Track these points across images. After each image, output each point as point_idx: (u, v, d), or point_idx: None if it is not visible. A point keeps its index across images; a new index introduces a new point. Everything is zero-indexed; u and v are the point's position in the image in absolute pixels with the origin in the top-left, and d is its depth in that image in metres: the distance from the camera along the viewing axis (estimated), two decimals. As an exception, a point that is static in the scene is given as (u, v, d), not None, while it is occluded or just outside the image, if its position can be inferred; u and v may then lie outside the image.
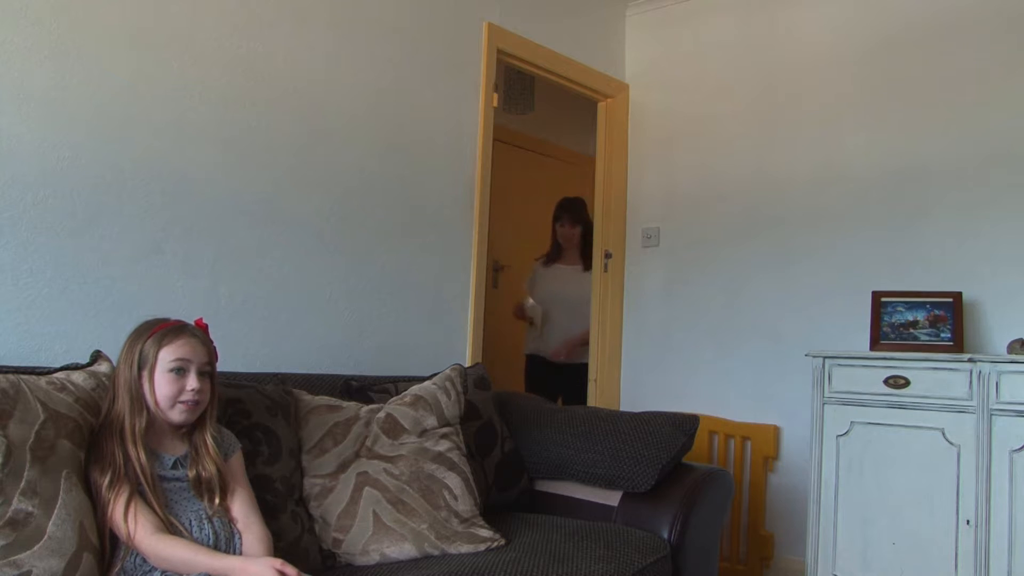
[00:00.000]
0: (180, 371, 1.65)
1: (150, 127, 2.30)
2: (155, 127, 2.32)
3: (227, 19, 2.48)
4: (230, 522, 1.70)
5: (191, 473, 1.68)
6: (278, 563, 1.56)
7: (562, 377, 4.15)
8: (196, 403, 1.67)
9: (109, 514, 1.56)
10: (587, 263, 4.15)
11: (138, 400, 1.63)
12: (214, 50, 2.45)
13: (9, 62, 2.04)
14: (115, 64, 2.23)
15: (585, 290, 4.11)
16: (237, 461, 1.79)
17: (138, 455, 1.60)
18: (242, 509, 1.72)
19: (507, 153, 4.49)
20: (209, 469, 1.69)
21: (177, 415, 1.66)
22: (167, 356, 1.64)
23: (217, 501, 1.68)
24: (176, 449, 1.70)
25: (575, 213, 4.23)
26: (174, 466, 1.68)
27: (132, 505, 1.56)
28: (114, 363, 1.72)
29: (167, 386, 1.64)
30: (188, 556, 1.56)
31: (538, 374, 4.25)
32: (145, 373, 1.64)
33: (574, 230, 4.21)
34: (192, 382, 1.65)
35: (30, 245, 2.07)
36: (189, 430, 1.72)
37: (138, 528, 1.55)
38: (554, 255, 4.32)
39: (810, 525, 2.96)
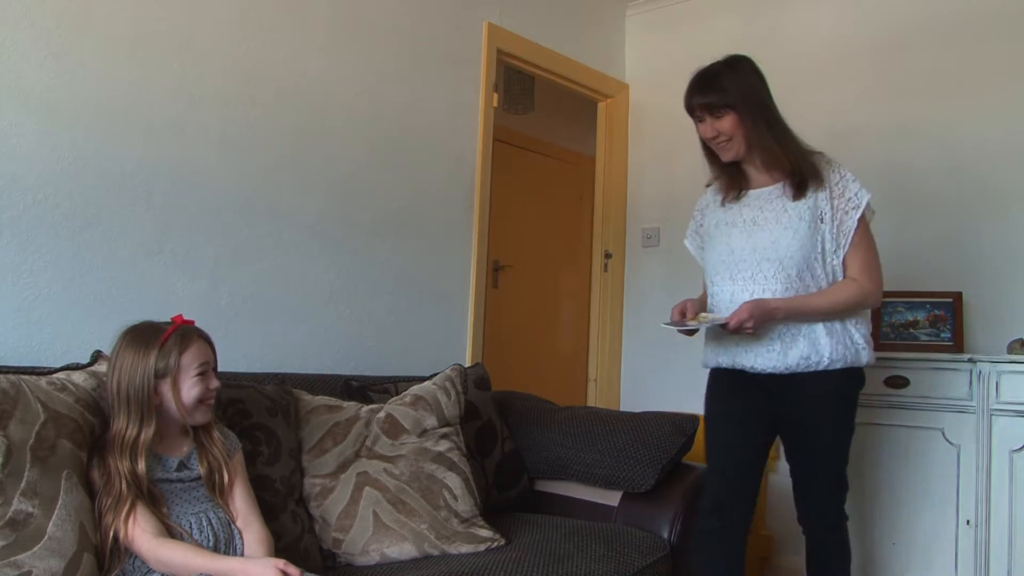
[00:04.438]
0: (203, 374, 1.67)
1: (150, 127, 2.30)
2: (155, 127, 2.31)
3: (227, 19, 2.48)
4: (230, 520, 1.70)
5: (202, 468, 1.69)
6: (280, 563, 1.56)
7: (780, 399, 2.16)
8: (213, 401, 1.71)
9: (110, 520, 1.56)
10: (796, 185, 2.15)
11: (148, 411, 1.62)
12: (214, 50, 2.45)
13: (9, 62, 2.04)
14: (115, 64, 2.23)
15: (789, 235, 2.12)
16: (238, 461, 1.79)
17: (141, 466, 1.59)
18: (242, 508, 1.72)
19: (507, 153, 4.49)
20: (218, 458, 1.71)
21: (200, 416, 1.69)
22: (191, 361, 1.65)
23: (226, 488, 1.70)
24: (179, 450, 1.70)
25: (710, 87, 2.19)
26: (178, 467, 1.68)
27: (133, 511, 1.56)
28: None
29: (194, 389, 1.65)
30: (188, 559, 1.55)
31: (730, 397, 2.25)
32: (167, 381, 1.63)
33: (720, 122, 2.18)
34: (214, 382, 1.69)
35: (30, 245, 2.07)
36: (193, 428, 1.72)
37: (138, 533, 1.55)
38: (732, 180, 2.27)
39: (810, 525, 2.96)
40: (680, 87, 2.28)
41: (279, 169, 2.61)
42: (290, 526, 1.94)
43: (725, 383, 2.27)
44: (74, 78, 2.15)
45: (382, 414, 2.20)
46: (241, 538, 1.70)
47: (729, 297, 2.19)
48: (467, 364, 3.09)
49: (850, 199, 2.14)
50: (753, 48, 3.74)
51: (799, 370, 2.11)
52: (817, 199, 2.14)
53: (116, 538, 1.56)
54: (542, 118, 4.93)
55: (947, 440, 2.72)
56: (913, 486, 2.76)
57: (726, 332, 2.12)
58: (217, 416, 1.79)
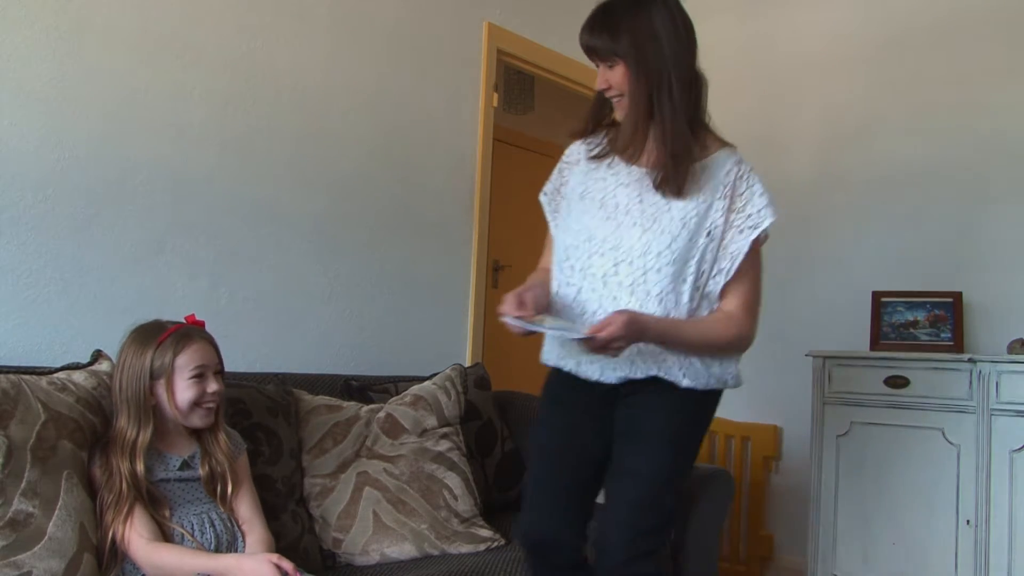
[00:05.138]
0: (200, 376, 1.65)
1: (151, 127, 2.30)
2: (155, 127, 2.31)
3: (227, 19, 2.48)
4: (234, 522, 1.69)
5: (203, 471, 1.68)
6: (274, 557, 1.55)
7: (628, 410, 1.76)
8: (215, 405, 1.69)
9: (110, 519, 1.56)
10: (661, 180, 1.69)
11: (146, 412, 1.61)
12: (214, 50, 2.45)
13: (9, 62, 2.04)
14: (116, 64, 2.23)
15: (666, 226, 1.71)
16: (243, 462, 1.78)
17: (140, 468, 1.58)
18: (247, 510, 1.72)
19: (507, 153, 4.49)
20: (222, 463, 1.69)
21: (198, 419, 1.67)
22: (186, 363, 1.63)
23: (228, 496, 1.69)
24: (184, 449, 1.70)
25: (601, 27, 1.69)
26: (182, 467, 1.67)
27: (131, 514, 1.56)
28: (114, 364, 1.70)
29: (188, 392, 1.63)
30: (183, 561, 1.55)
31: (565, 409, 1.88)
32: (161, 382, 1.62)
33: (611, 72, 1.71)
34: (212, 386, 1.67)
35: (30, 245, 2.07)
36: (198, 428, 1.71)
37: (133, 538, 1.55)
38: (608, 138, 1.86)
39: (810, 525, 2.96)
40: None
41: (279, 169, 2.61)
42: (290, 526, 1.94)
43: (563, 389, 1.87)
44: (74, 78, 2.15)
45: (382, 414, 2.20)
46: (243, 539, 1.69)
47: (573, 296, 1.73)
48: (467, 364, 3.09)
49: (750, 216, 1.68)
50: (752, 48, 3.76)
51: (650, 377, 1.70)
52: (712, 206, 1.68)
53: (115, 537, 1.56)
54: (542, 118, 4.93)
55: (947, 440, 2.72)
56: (913, 486, 2.76)
57: (585, 347, 1.61)
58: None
